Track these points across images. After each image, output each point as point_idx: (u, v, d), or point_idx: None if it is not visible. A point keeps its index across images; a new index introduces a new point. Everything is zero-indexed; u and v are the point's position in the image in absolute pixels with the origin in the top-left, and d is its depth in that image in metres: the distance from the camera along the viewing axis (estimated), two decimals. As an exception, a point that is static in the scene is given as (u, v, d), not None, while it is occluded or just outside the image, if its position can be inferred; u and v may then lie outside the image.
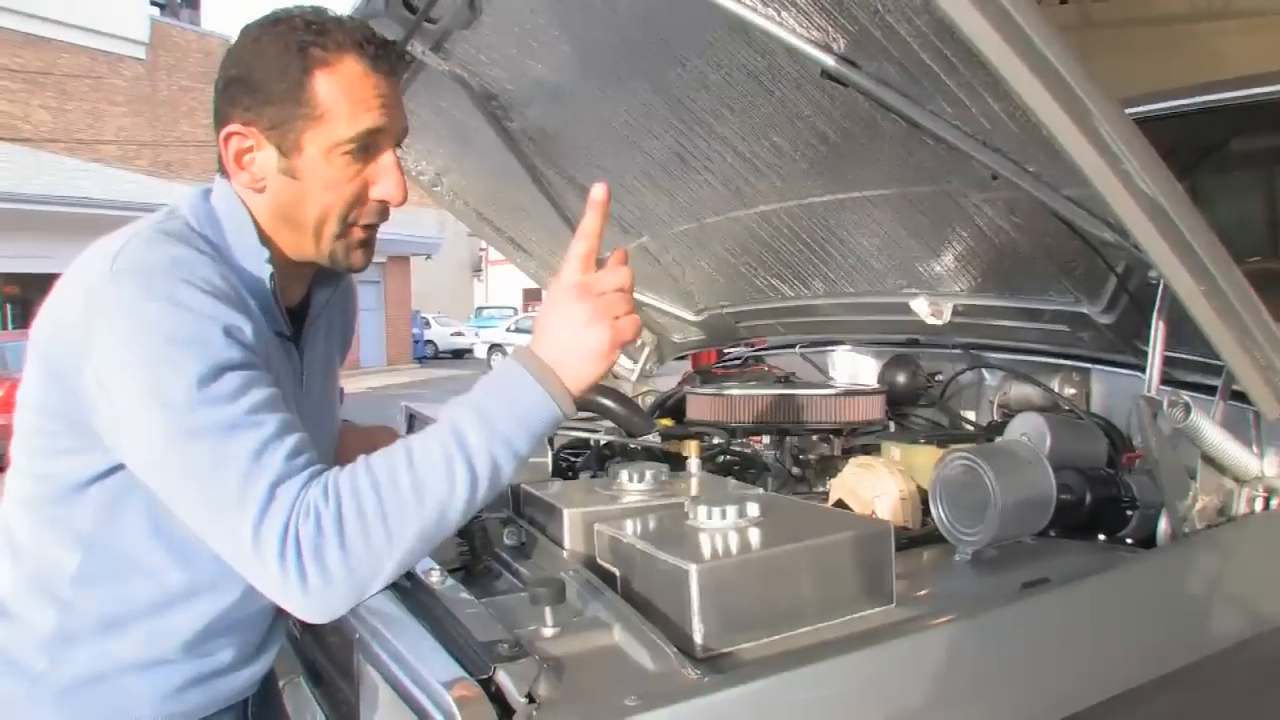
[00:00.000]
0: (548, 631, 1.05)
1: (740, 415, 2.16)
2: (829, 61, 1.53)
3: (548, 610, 1.05)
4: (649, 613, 1.13)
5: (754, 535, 1.19)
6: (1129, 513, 1.53)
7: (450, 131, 2.58)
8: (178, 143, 24.42)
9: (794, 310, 2.81)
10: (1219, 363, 1.60)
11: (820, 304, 2.68)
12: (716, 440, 2.09)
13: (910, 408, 2.42)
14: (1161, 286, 1.44)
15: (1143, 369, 1.87)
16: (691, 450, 1.75)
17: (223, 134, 1.29)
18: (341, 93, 1.25)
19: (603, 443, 2.07)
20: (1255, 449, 1.56)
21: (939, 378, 2.45)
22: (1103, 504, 1.52)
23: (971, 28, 1.09)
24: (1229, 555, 1.44)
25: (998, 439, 1.73)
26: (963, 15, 1.08)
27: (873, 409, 2.17)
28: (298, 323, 1.41)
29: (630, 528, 1.27)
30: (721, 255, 2.72)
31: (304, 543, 1.04)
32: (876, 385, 2.39)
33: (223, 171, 1.33)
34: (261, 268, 1.28)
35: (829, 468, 2.09)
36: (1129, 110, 1.35)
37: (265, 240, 1.30)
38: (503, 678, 0.94)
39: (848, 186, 2.05)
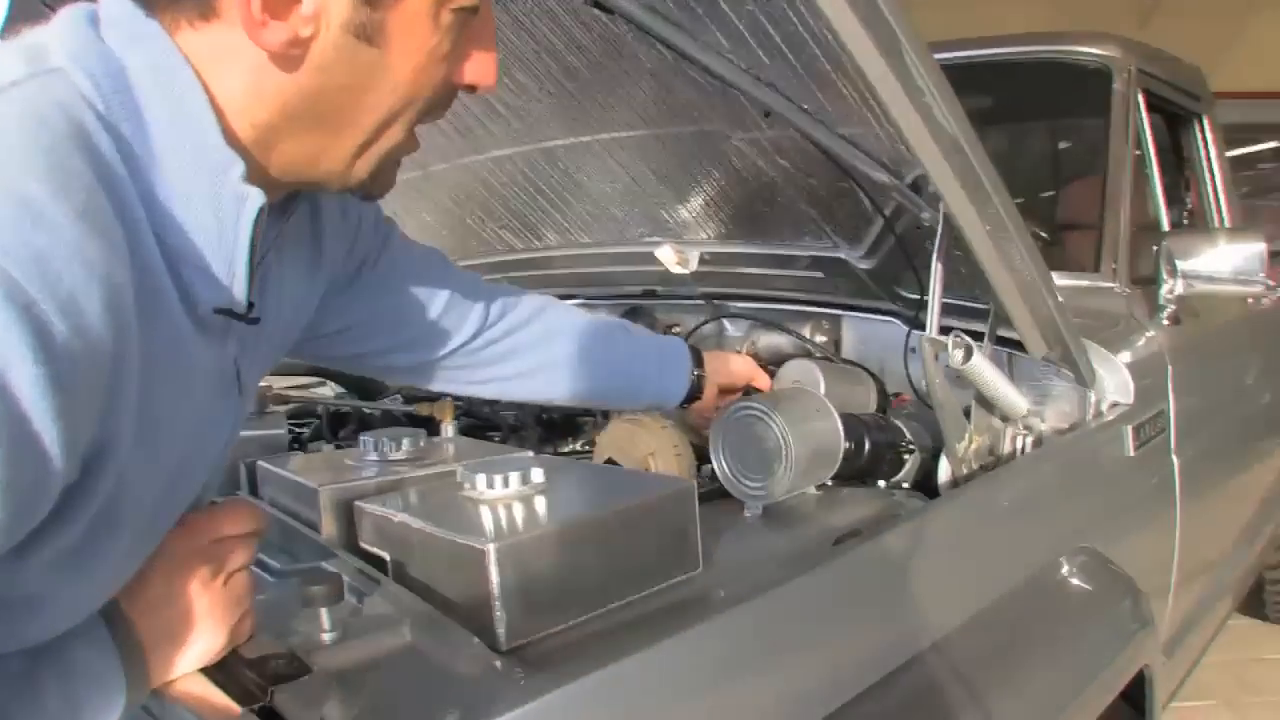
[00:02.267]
0: (326, 637, 0.86)
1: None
2: None
3: (324, 612, 0.87)
4: (433, 602, 0.96)
5: (545, 504, 1.05)
6: (905, 458, 1.51)
7: None
8: None
9: (523, 264, 2.65)
10: (978, 305, 1.61)
11: (554, 255, 2.54)
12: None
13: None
14: (941, 229, 1.41)
15: (897, 315, 1.88)
16: (445, 413, 1.58)
17: None
18: None
19: (336, 409, 1.85)
20: (1014, 389, 1.58)
21: (676, 330, 2.40)
22: (880, 450, 1.48)
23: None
24: (1014, 494, 1.43)
25: (778, 387, 1.67)
26: None
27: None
28: None
29: (399, 503, 1.09)
30: (446, 205, 2.55)
31: None
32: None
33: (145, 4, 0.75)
34: (230, 198, 0.75)
35: (573, 425, 1.99)
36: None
37: (236, 146, 0.76)
38: (284, 702, 0.75)
39: (594, 128, 1.92)
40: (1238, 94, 6.84)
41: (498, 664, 0.83)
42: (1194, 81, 2.98)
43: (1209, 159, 3.04)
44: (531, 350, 1.40)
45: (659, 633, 0.85)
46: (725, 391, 1.60)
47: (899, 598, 1.12)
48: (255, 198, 0.75)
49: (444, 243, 2.71)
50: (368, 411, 1.86)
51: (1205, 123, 3.03)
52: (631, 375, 1.51)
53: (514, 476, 1.07)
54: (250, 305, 0.80)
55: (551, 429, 1.98)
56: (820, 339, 2.05)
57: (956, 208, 1.26)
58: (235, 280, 0.76)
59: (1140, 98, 2.41)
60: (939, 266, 1.43)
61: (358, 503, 1.12)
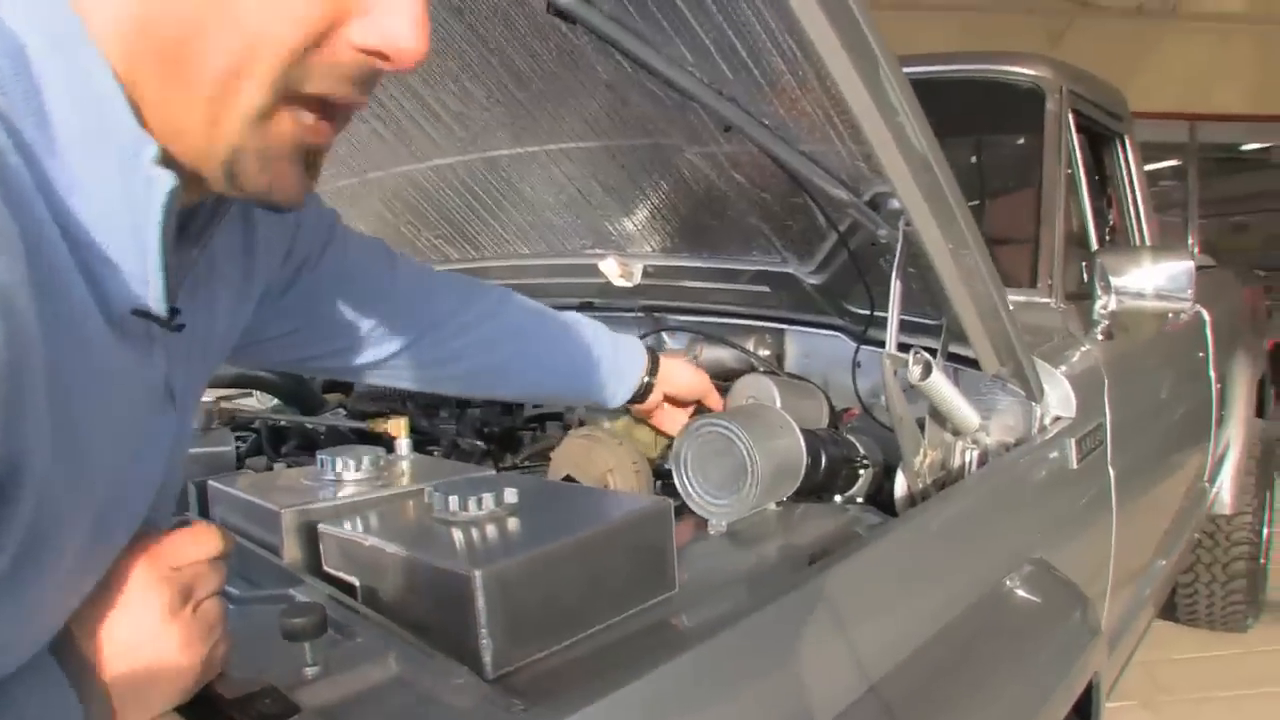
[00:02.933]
0: (309, 672, 0.83)
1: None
2: None
3: (307, 646, 0.83)
4: (409, 629, 0.93)
5: (521, 526, 1.03)
6: (860, 472, 1.52)
7: None
8: None
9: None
10: (928, 321, 1.62)
11: (490, 266, 2.51)
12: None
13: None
14: (900, 245, 1.41)
15: (843, 330, 1.89)
16: (400, 429, 1.54)
17: None
18: None
19: (279, 423, 1.80)
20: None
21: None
22: (835, 465, 1.49)
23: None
24: (971, 509, 1.44)
25: (736, 404, 1.66)
26: None
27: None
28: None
29: (367, 526, 1.06)
30: (379, 213, 2.49)
31: None
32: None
33: None
34: (140, 183, 0.65)
35: (513, 439, 1.97)
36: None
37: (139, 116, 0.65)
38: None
39: (542, 139, 1.90)
40: (1141, 114, 7.09)
41: (488, 694, 0.81)
42: (1117, 102, 3.07)
43: (1130, 177, 3.13)
44: (487, 347, 1.39)
45: (650, 659, 0.83)
46: (670, 401, 1.61)
47: (873, 615, 1.13)
48: (165, 180, 0.64)
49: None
50: (310, 426, 1.81)
51: (1127, 142, 3.12)
52: (587, 376, 1.52)
53: (487, 498, 1.04)
54: (174, 311, 0.70)
55: (490, 441, 1.95)
56: (764, 352, 2.06)
57: (921, 225, 1.27)
58: (151, 276, 0.67)
59: (1070, 117, 2.47)
60: (898, 283, 1.44)
61: (322, 526, 1.09)
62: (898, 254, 1.42)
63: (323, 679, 0.83)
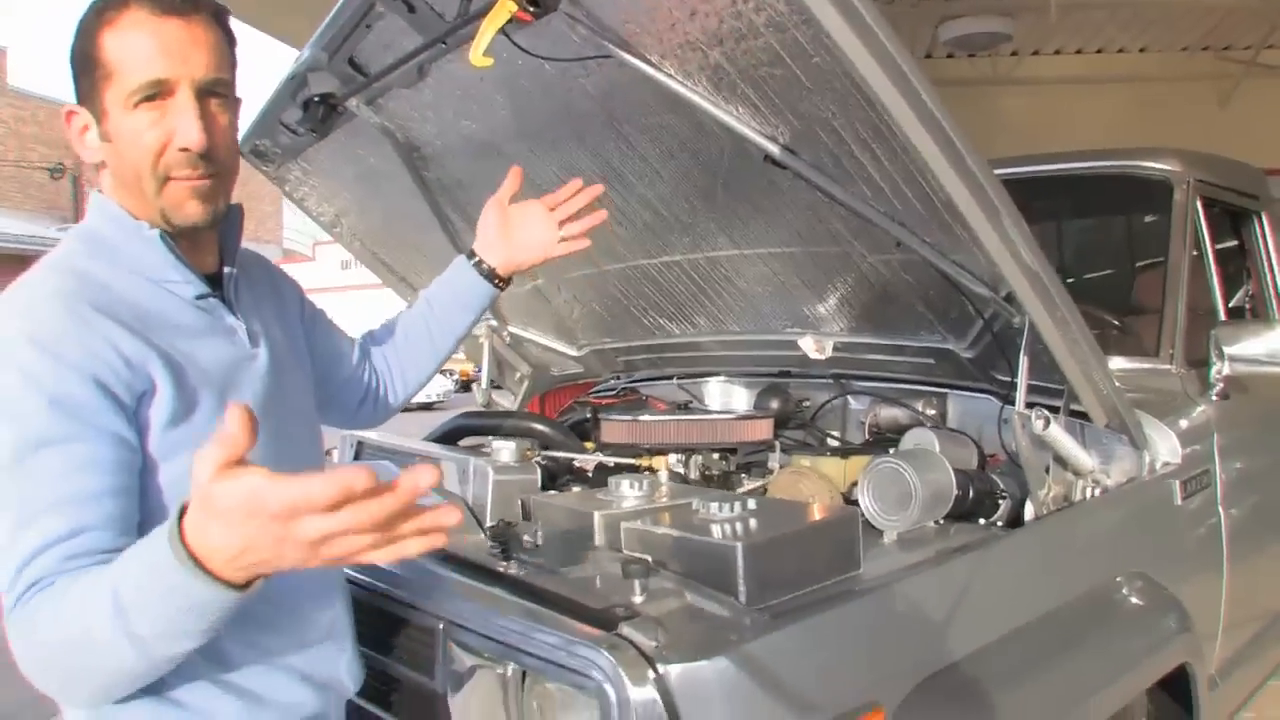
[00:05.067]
0: (638, 599, 1.37)
1: (654, 437, 2.50)
2: (773, 149, 1.90)
3: (637, 583, 1.39)
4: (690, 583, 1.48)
5: (759, 522, 1.57)
6: (1000, 503, 2.00)
7: (358, 176, 2.78)
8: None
9: (678, 346, 3.16)
10: (1056, 386, 2.10)
11: (704, 341, 3.04)
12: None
13: (783, 430, 2.85)
14: (1027, 329, 1.91)
15: (992, 393, 2.38)
16: (662, 464, 2.12)
17: (65, 115, 1.35)
18: (125, 46, 1.26)
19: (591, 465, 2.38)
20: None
21: (806, 404, 2.91)
22: (981, 496, 1.98)
23: (914, 136, 1.53)
24: (1076, 529, 1.92)
25: (905, 448, 2.17)
26: (906, 123, 1.51)
27: (764, 430, 2.57)
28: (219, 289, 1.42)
29: (658, 522, 1.62)
30: (615, 297, 3.04)
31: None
32: (759, 411, 2.82)
33: None
34: (146, 237, 1.32)
35: (728, 480, 2.49)
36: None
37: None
38: (629, 632, 1.27)
39: (753, 244, 2.45)
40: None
41: (747, 609, 1.36)
42: (1253, 183, 3.43)
43: (1266, 250, 3.47)
44: (396, 351, 1.85)
45: (842, 600, 1.38)
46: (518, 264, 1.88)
47: (1002, 590, 1.64)
48: (155, 233, 1.31)
49: (609, 327, 3.25)
50: (577, 465, 2.39)
51: (1263, 218, 3.46)
52: (447, 315, 1.86)
53: (737, 505, 1.60)
54: (210, 294, 1.36)
55: (710, 481, 2.48)
56: (930, 412, 2.56)
57: (1036, 317, 1.77)
58: (189, 279, 1.34)
59: (1199, 204, 2.88)
60: (1025, 358, 1.93)
61: (623, 523, 1.66)
62: (1025, 336, 1.91)
63: (648, 603, 1.37)
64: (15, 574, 1.12)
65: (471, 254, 1.85)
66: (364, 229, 3.15)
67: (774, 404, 2.88)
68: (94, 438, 1.17)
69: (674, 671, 1.22)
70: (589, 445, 2.65)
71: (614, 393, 3.46)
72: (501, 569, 1.59)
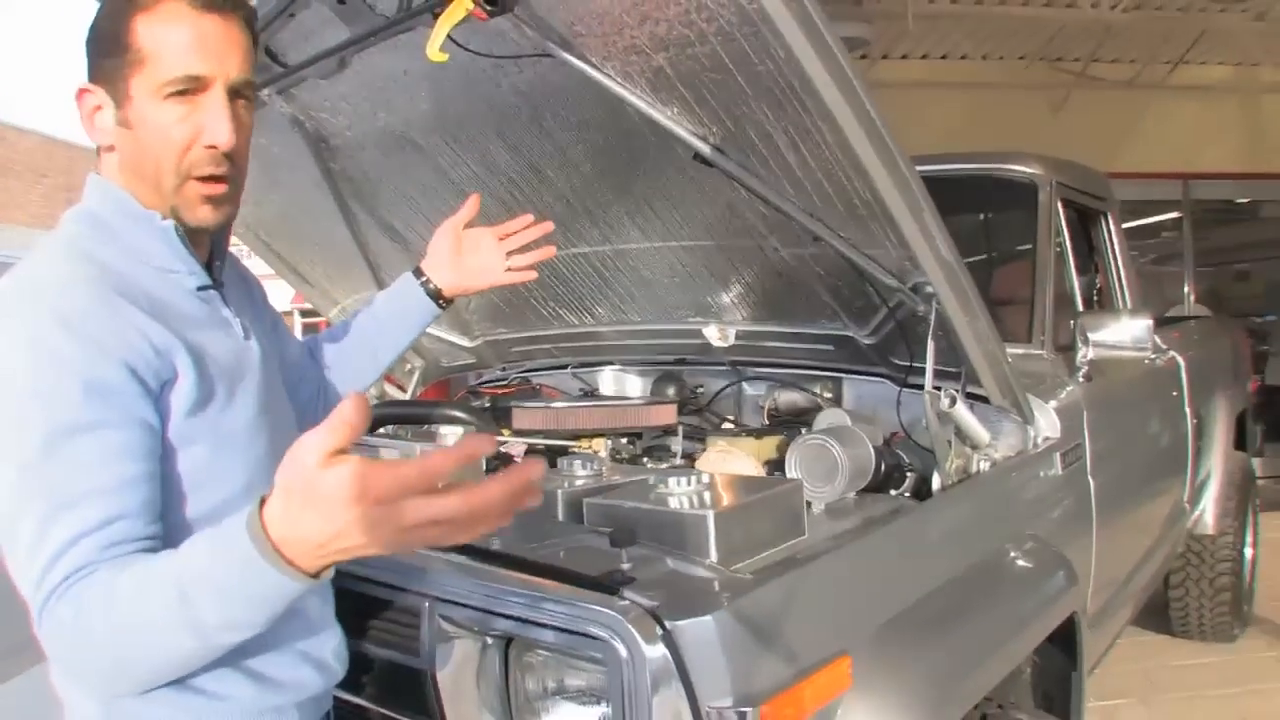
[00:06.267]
0: (626, 565, 1.47)
1: (566, 423, 2.60)
2: (704, 148, 2.00)
3: (624, 552, 1.48)
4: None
5: (716, 493, 1.70)
6: (907, 475, 2.19)
7: (259, 166, 2.76)
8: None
9: (574, 336, 3.23)
10: (953, 369, 2.29)
11: (602, 330, 3.14)
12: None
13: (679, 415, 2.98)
14: (934, 315, 2.09)
15: (889, 378, 2.57)
16: (601, 446, 2.24)
17: (76, 93, 1.33)
18: (162, 35, 1.25)
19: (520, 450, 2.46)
20: (979, 428, 2.28)
21: (700, 390, 3.06)
22: (890, 470, 2.15)
23: (853, 137, 1.68)
24: (981, 496, 2.13)
25: (824, 426, 2.33)
26: (847, 124, 1.67)
27: (669, 415, 2.72)
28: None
29: (620, 497, 1.74)
30: (514, 288, 2.95)
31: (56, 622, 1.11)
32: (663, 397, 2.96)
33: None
34: (159, 227, 1.31)
35: (636, 463, 2.59)
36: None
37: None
38: (632, 594, 1.37)
39: (665, 237, 2.56)
40: (1137, 175, 7.78)
41: (722, 569, 1.50)
42: (1101, 186, 3.77)
43: (1113, 246, 3.80)
44: (341, 358, 1.87)
45: (799, 563, 1.53)
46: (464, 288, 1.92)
47: (915, 558, 1.85)
48: (169, 223, 1.31)
49: (505, 318, 3.29)
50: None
51: (1109, 217, 3.79)
52: (392, 330, 1.91)
53: (692, 479, 1.72)
54: (210, 286, 1.37)
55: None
56: (827, 395, 2.74)
57: (948, 305, 1.96)
58: (193, 270, 1.34)
59: (1059, 205, 3.15)
60: (931, 343, 2.12)
61: (585, 499, 1.76)
62: (932, 323, 2.10)
63: (636, 569, 1.47)
64: (49, 563, 1.10)
65: (419, 272, 1.89)
66: (258, 219, 3.11)
67: (671, 391, 3.02)
68: (127, 424, 1.17)
69: (681, 626, 1.33)
70: (506, 432, 2.74)
71: (504, 383, 3.50)
72: (486, 546, 1.65)
